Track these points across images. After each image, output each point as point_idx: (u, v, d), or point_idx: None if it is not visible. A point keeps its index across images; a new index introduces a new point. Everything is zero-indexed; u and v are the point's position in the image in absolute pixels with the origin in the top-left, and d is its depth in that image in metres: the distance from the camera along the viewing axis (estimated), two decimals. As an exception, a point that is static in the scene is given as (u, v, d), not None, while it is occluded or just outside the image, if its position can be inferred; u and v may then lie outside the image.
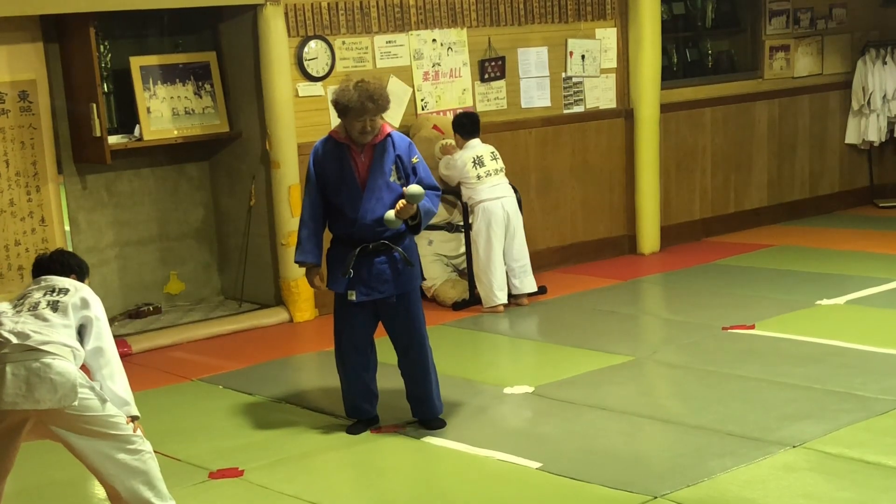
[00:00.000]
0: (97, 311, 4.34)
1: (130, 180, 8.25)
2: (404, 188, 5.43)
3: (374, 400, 5.81)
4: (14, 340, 4.11)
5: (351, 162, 5.50)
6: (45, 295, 4.31)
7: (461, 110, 8.66)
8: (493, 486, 5.02)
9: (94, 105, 7.39)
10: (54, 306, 4.25)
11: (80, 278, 4.55)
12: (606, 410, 5.81)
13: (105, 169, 7.94)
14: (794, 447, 5.14)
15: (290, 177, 7.93)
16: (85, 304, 4.31)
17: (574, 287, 8.66)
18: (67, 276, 4.49)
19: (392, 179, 5.47)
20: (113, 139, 7.71)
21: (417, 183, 5.46)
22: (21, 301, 4.32)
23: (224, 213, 8.58)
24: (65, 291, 4.33)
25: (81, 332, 4.30)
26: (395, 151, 5.49)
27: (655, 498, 4.69)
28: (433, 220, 8.31)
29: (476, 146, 8.03)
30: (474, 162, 7.93)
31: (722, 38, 10.77)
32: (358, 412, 5.78)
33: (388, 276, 5.51)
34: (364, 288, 5.52)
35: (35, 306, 4.25)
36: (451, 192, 8.19)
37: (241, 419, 6.09)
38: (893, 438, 5.21)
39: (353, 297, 5.53)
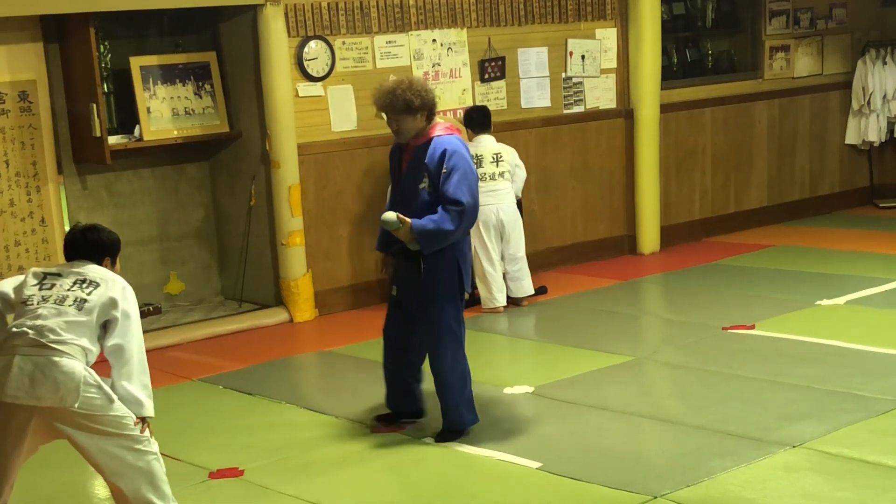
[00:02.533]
0: (126, 308, 4.26)
1: (130, 180, 8.25)
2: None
3: (412, 398, 5.79)
4: (31, 334, 4.11)
5: (400, 162, 5.54)
6: (73, 287, 4.24)
7: (461, 111, 8.67)
8: (493, 486, 5.02)
9: (94, 105, 7.39)
10: (80, 305, 4.20)
11: (113, 260, 4.47)
12: (606, 410, 5.81)
13: (105, 169, 7.94)
14: (794, 447, 5.14)
15: (290, 177, 7.92)
16: (113, 303, 4.24)
17: (574, 287, 8.66)
18: (101, 259, 4.40)
19: (422, 186, 5.39)
20: (113, 139, 7.71)
21: (441, 193, 5.32)
22: (49, 286, 4.25)
23: (224, 213, 8.58)
24: (95, 286, 4.26)
25: (106, 327, 4.25)
26: (425, 158, 5.40)
27: (655, 498, 4.69)
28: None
29: (481, 144, 7.99)
30: (474, 160, 7.90)
31: (722, 38, 10.77)
32: (392, 404, 5.83)
33: (412, 281, 5.50)
34: (396, 287, 5.64)
35: (62, 300, 4.20)
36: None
37: (241, 419, 6.09)
38: (893, 438, 5.21)
39: (394, 293, 5.68)
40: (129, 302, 4.30)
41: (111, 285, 4.30)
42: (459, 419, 5.56)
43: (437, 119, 5.55)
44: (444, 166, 5.34)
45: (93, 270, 4.35)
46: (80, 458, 4.33)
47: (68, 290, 4.25)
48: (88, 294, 4.24)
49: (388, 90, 5.38)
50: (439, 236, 5.35)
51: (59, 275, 4.32)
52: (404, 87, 5.37)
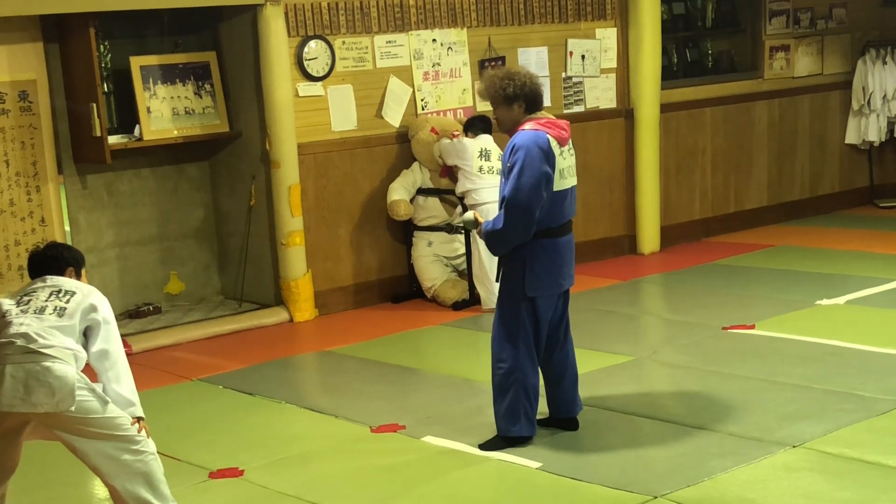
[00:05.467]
0: (105, 314, 4.33)
1: (130, 180, 8.25)
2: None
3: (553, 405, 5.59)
4: (18, 342, 4.11)
5: None
6: (50, 297, 4.28)
7: (461, 111, 8.68)
8: (493, 486, 5.02)
9: (94, 105, 7.39)
10: (60, 312, 4.23)
11: (77, 271, 4.53)
12: (606, 410, 5.81)
13: (105, 169, 7.94)
14: (794, 447, 5.14)
15: (290, 177, 7.92)
16: (93, 308, 4.29)
17: (574, 287, 8.61)
18: (64, 271, 4.48)
19: (504, 180, 5.27)
20: (113, 139, 7.71)
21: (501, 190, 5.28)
22: (26, 301, 4.30)
23: (224, 213, 8.58)
24: (71, 294, 4.31)
25: (87, 334, 4.29)
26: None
27: (655, 498, 4.69)
28: (433, 222, 8.34)
29: (486, 140, 8.04)
30: (481, 153, 7.94)
31: (722, 38, 10.76)
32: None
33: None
34: None
35: (41, 310, 4.23)
36: (452, 192, 8.19)
37: (241, 419, 6.09)
38: (893, 438, 5.21)
39: None
40: (106, 308, 4.36)
41: (87, 292, 4.36)
42: (504, 426, 5.36)
43: (543, 113, 5.27)
44: (510, 161, 5.17)
45: (65, 282, 4.40)
46: (79, 459, 4.32)
47: (45, 300, 4.28)
48: (66, 302, 4.28)
49: (487, 77, 5.29)
50: (495, 237, 5.25)
51: (33, 291, 4.35)
52: (501, 75, 5.24)
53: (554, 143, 5.16)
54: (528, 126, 5.20)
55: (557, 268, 5.32)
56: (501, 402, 5.35)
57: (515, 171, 5.11)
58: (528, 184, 5.09)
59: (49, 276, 4.43)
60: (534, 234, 5.18)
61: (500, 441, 5.36)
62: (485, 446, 5.36)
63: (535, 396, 5.36)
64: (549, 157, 5.13)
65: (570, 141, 5.32)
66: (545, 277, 5.28)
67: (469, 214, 5.48)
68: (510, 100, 5.21)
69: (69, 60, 7.61)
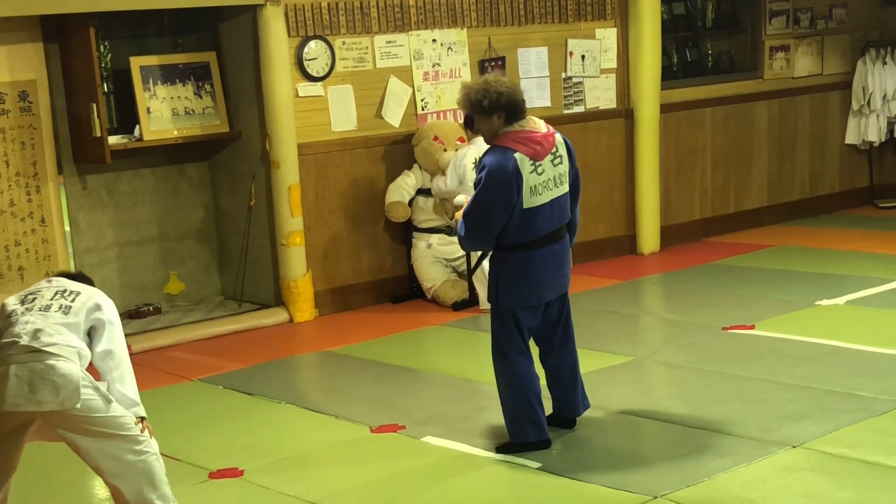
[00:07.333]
0: (110, 315, 4.34)
1: (130, 180, 8.25)
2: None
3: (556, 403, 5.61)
4: (22, 341, 4.12)
5: None
6: (55, 297, 4.30)
7: (461, 111, 8.66)
8: (493, 485, 5.02)
9: (94, 105, 7.39)
10: (66, 310, 4.25)
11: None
12: (606, 410, 5.81)
13: (105, 169, 7.94)
14: (794, 447, 5.14)
15: (290, 177, 7.92)
16: (98, 307, 4.31)
17: (574, 287, 8.57)
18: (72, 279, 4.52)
19: None
20: (113, 139, 7.71)
21: None
22: (31, 299, 4.31)
23: (224, 213, 8.58)
24: (76, 294, 4.33)
25: (91, 334, 4.30)
26: None
27: (655, 498, 4.69)
28: (433, 224, 8.34)
29: (481, 143, 8.02)
30: (475, 164, 7.92)
31: (722, 38, 10.76)
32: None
33: None
34: None
35: (46, 308, 4.24)
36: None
37: (241, 419, 6.09)
38: (893, 438, 5.21)
39: None
40: (111, 309, 4.38)
41: (92, 293, 4.39)
42: (513, 432, 5.34)
43: (523, 123, 5.19)
44: (476, 178, 5.21)
45: (70, 283, 4.44)
46: (81, 458, 4.32)
47: (51, 299, 4.30)
48: (72, 301, 4.30)
49: (464, 88, 5.26)
50: (460, 238, 5.31)
51: (38, 291, 4.38)
52: (477, 87, 5.19)
53: (524, 162, 5.09)
54: (500, 142, 5.17)
55: (534, 279, 5.25)
56: (507, 409, 5.34)
57: (476, 191, 5.16)
58: (482, 207, 5.13)
59: (54, 278, 4.47)
60: (506, 247, 5.20)
61: (515, 446, 5.32)
62: (501, 449, 5.34)
63: (539, 401, 5.33)
64: (514, 178, 5.08)
65: (562, 147, 5.27)
66: (521, 290, 5.24)
67: (461, 198, 5.50)
68: (488, 111, 5.18)
69: (69, 60, 7.61)
